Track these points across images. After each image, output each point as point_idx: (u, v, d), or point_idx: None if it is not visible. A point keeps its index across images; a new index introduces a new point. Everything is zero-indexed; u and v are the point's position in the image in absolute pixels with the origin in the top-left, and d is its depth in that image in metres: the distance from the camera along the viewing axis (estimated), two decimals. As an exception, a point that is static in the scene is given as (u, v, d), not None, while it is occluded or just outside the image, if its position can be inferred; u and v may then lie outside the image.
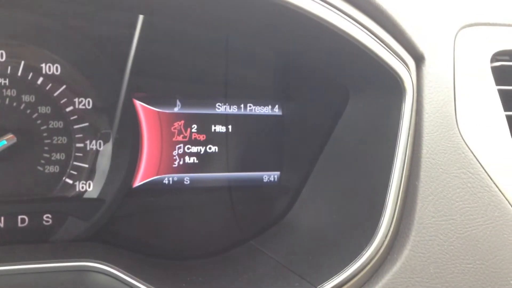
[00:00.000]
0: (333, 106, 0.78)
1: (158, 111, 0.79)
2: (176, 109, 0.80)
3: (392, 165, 0.63)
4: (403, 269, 0.62)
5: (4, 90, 0.70)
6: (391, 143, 0.64)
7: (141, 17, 0.72)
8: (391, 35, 0.63)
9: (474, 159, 0.66)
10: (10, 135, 0.69)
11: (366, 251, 0.62)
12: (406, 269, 0.62)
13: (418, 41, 0.65)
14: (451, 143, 0.65)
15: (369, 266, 0.62)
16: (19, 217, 0.72)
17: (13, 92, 0.71)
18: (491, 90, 0.70)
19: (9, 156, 0.70)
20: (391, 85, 0.64)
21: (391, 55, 0.62)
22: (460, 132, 0.66)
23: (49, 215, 0.73)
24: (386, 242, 0.62)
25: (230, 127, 0.83)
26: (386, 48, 0.62)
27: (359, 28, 0.60)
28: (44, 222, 0.73)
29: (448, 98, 0.66)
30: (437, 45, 0.67)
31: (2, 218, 0.71)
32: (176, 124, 0.80)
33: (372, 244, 0.62)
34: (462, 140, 0.66)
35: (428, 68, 0.65)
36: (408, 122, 0.63)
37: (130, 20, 0.73)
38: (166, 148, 0.79)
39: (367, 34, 0.60)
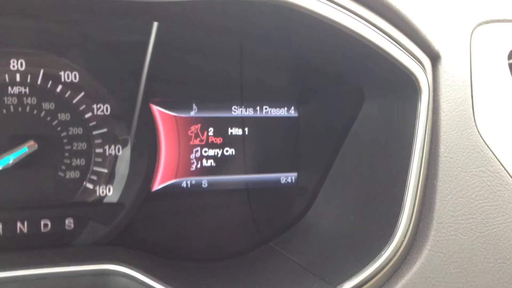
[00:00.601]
0: (349, 107, 0.78)
1: (175, 116, 0.80)
2: (192, 113, 0.81)
3: (409, 165, 0.63)
4: (422, 269, 0.61)
5: (24, 98, 0.72)
6: (408, 143, 0.63)
7: (155, 23, 0.73)
8: (405, 35, 0.62)
9: (493, 157, 0.65)
10: (31, 142, 0.70)
11: (385, 251, 0.62)
12: (426, 269, 0.61)
13: (433, 40, 0.64)
14: (469, 141, 0.65)
15: (388, 266, 0.61)
16: (42, 222, 0.73)
17: (34, 100, 0.72)
18: (509, 87, 0.70)
19: (31, 163, 0.71)
20: (407, 85, 0.64)
21: (405, 55, 0.62)
22: (478, 130, 0.66)
23: (71, 220, 0.74)
24: (405, 242, 0.62)
25: (246, 129, 0.84)
26: (401, 48, 0.61)
27: (372, 29, 0.59)
28: (66, 227, 0.74)
29: (465, 96, 0.66)
30: (453, 43, 0.67)
31: (26, 223, 0.72)
32: (193, 128, 0.81)
33: (390, 244, 0.62)
34: (480, 138, 0.66)
35: (444, 67, 0.65)
36: (425, 122, 0.63)
37: (145, 26, 0.73)
38: (184, 152, 0.80)
39: (380, 35, 0.60)
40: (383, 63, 0.62)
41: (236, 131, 0.83)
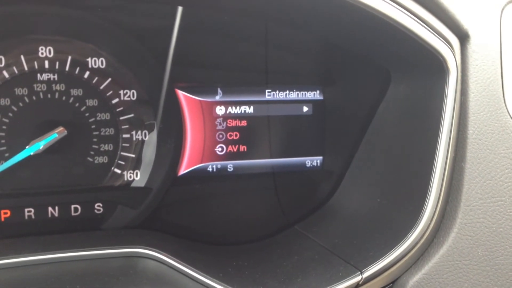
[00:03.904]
0: (375, 89, 0.77)
1: (200, 100, 0.80)
2: (217, 97, 0.81)
3: (437, 147, 0.62)
4: (450, 252, 0.61)
5: (53, 85, 0.73)
6: (435, 124, 0.62)
7: (180, 8, 0.73)
8: (433, 14, 0.61)
9: (524, 139, 0.64)
10: (60, 128, 0.72)
11: (411, 234, 0.61)
12: (453, 252, 0.61)
13: (462, 19, 0.63)
14: (498, 122, 0.64)
15: (414, 249, 0.61)
16: (72, 206, 0.75)
17: (62, 86, 0.73)
18: (541, 67, 0.68)
19: (60, 148, 0.72)
20: (434, 66, 0.63)
21: (433, 35, 0.60)
22: (508, 111, 0.64)
23: (100, 204, 0.76)
24: (432, 225, 0.61)
25: (272, 113, 0.84)
26: (428, 28, 0.60)
27: (398, 8, 0.58)
28: (95, 211, 0.75)
29: (495, 76, 0.64)
30: (482, 22, 0.65)
31: (57, 208, 0.74)
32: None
33: (417, 227, 0.61)
34: (510, 119, 0.64)
35: (473, 46, 0.63)
36: (452, 103, 0.62)
37: (170, 11, 0.74)
38: (209, 136, 0.81)
39: (406, 14, 0.59)
40: (410, 44, 0.61)
41: (262, 114, 0.83)
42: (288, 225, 0.82)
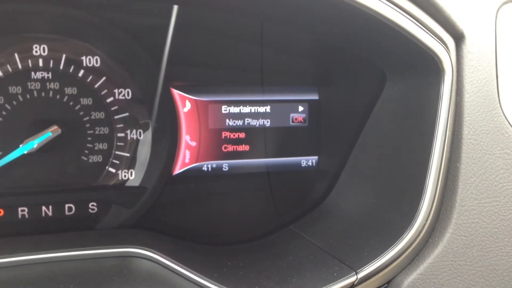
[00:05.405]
0: (370, 89, 0.77)
1: (195, 99, 0.80)
2: (212, 97, 0.81)
3: (432, 147, 0.62)
4: (445, 252, 0.61)
5: (47, 84, 0.73)
6: (430, 125, 0.62)
7: (175, 7, 0.73)
8: (428, 15, 0.61)
9: (519, 139, 0.64)
10: (54, 127, 0.71)
11: (407, 235, 0.61)
12: (448, 253, 0.61)
13: (457, 19, 0.63)
14: (493, 123, 0.64)
15: (409, 249, 0.61)
16: (66, 205, 0.74)
17: (56, 85, 0.73)
18: (536, 67, 0.68)
19: (54, 147, 0.72)
20: (429, 66, 0.63)
21: (428, 35, 0.60)
22: (503, 111, 0.64)
23: (94, 203, 0.75)
24: (427, 225, 0.62)
25: (267, 112, 0.84)
26: (423, 28, 0.60)
27: (394, 9, 0.58)
28: (89, 210, 0.75)
29: (490, 77, 0.64)
30: (477, 23, 0.65)
31: (50, 207, 0.73)
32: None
33: (412, 228, 0.61)
34: (505, 119, 0.64)
35: (468, 47, 0.64)
36: (448, 103, 0.62)
37: (166, 10, 0.73)
38: (204, 136, 0.81)
39: (402, 14, 0.59)
40: (405, 44, 0.61)
41: (257, 114, 0.83)
42: (283, 225, 0.81)
